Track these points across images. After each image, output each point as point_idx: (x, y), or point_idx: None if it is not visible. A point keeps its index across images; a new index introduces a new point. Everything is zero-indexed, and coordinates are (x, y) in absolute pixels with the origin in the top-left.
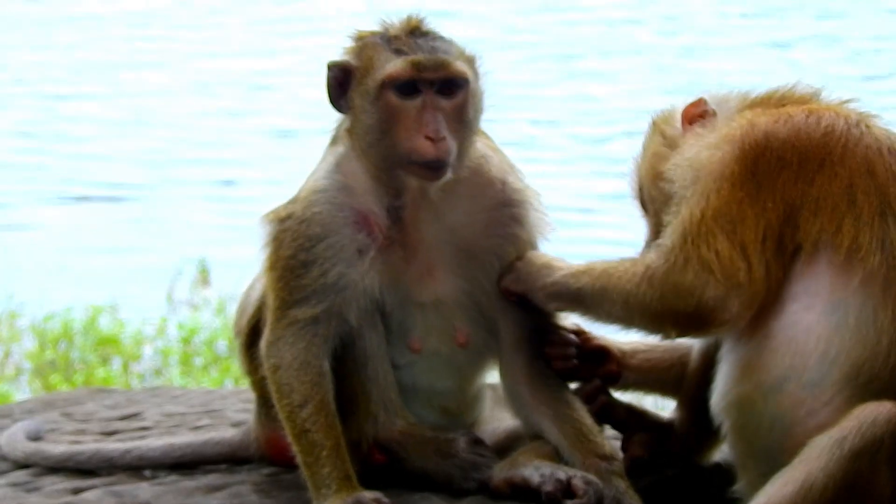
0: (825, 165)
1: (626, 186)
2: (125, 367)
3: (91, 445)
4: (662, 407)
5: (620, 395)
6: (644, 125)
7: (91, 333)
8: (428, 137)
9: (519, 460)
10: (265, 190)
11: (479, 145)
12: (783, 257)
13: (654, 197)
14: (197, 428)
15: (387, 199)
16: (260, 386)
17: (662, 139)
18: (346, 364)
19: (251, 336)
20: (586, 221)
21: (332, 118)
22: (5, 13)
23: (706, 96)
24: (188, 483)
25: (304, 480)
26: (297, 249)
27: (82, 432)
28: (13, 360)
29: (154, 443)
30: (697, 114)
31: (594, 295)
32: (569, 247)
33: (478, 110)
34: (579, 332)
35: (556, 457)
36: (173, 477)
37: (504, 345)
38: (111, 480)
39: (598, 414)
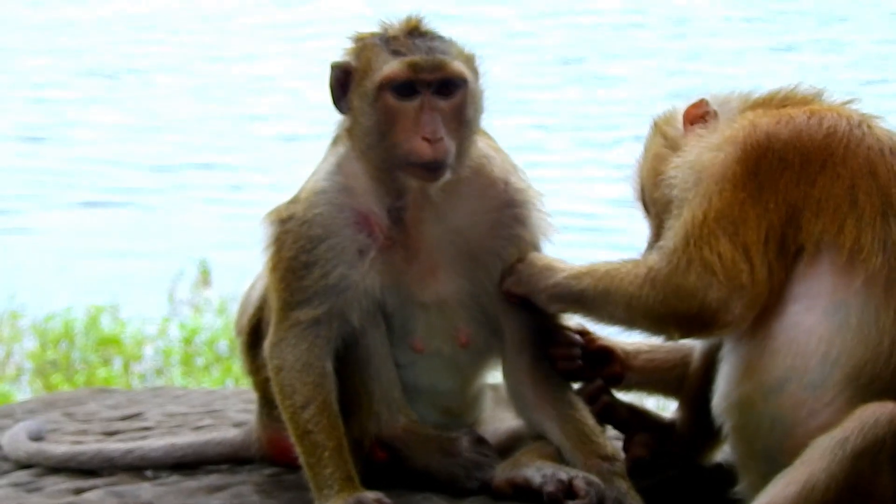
0: (827, 166)
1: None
2: (126, 367)
3: (93, 445)
4: (664, 408)
5: (622, 396)
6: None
7: (92, 333)
8: (425, 138)
9: (521, 461)
10: (267, 190)
11: (482, 145)
12: (785, 258)
13: (655, 199)
14: (199, 428)
15: (388, 200)
16: (262, 386)
17: (664, 140)
18: (349, 363)
19: (252, 336)
20: (594, 226)
21: (333, 119)
22: (11, 17)
23: (708, 97)
24: (190, 483)
25: (305, 481)
26: (298, 251)
27: (84, 432)
28: (14, 361)
29: (156, 443)
30: (699, 115)
31: (596, 297)
32: (578, 251)
33: (477, 110)
34: (584, 333)
35: (558, 457)
36: (175, 477)
37: (507, 345)
38: (113, 481)
39: (600, 414)
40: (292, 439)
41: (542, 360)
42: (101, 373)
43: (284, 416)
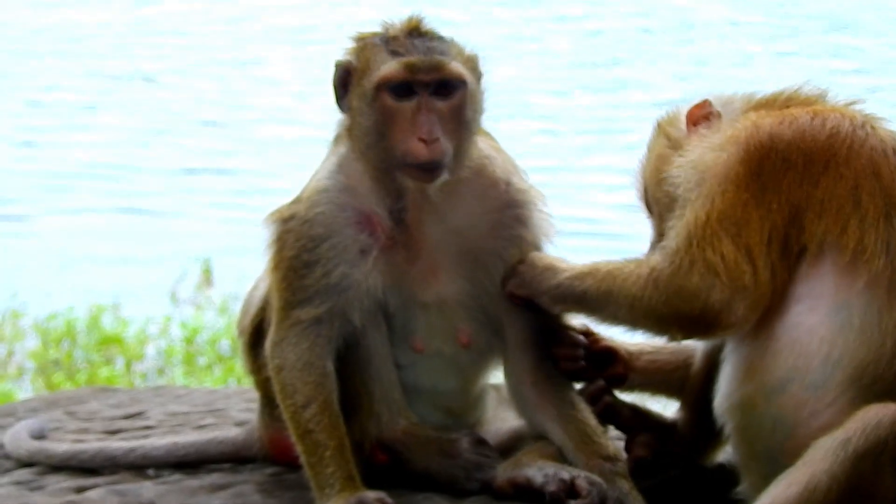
0: (830, 167)
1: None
2: (128, 366)
3: (94, 444)
4: (667, 408)
5: (624, 396)
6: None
7: (94, 332)
8: (422, 139)
9: (522, 460)
10: (273, 194)
11: (483, 146)
12: (788, 259)
13: (658, 199)
14: (200, 427)
15: (388, 201)
16: (263, 385)
17: (667, 141)
18: (349, 364)
19: (254, 335)
20: (602, 232)
21: (335, 119)
22: (16, 20)
23: (711, 98)
24: (191, 482)
25: (307, 480)
26: (300, 250)
27: (86, 431)
28: (16, 360)
29: (157, 442)
30: (702, 115)
31: (599, 298)
32: (586, 257)
33: (477, 111)
34: (587, 333)
35: (560, 457)
36: (177, 476)
37: (509, 345)
38: (114, 479)
39: (602, 415)
40: (293, 438)
41: (544, 361)
42: (103, 372)
43: (285, 416)
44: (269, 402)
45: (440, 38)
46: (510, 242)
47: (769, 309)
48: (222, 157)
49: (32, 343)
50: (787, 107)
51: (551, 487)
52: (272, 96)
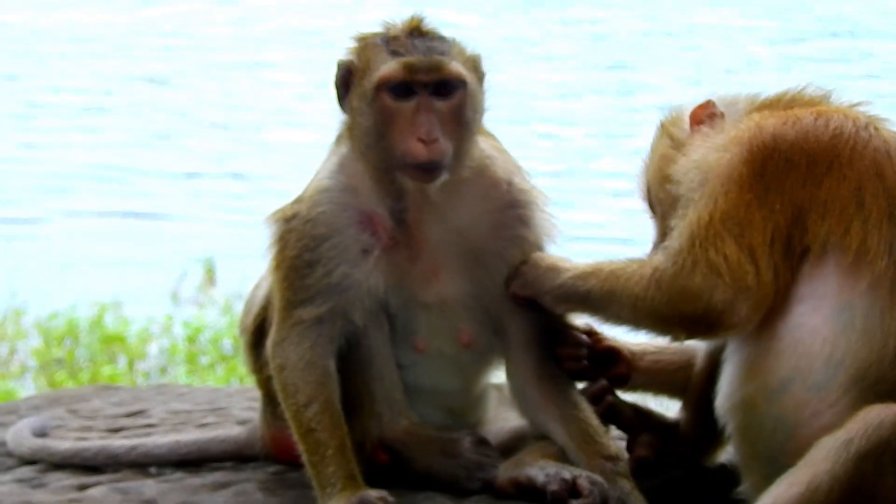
0: (833, 168)
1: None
2: (130, 365)
3: (97, 442)
4: (668, 408)
5: (627, 396)
6: None
7: (96, 331)
8: (420, 139)
9: (524, 460)
10: (278, 196)
11: (485, 146)
12: (791, 260)
13: (661, 199)
14: (203, 425)
15: (389, 201)
16: (265, 384)
17: (670, 141)
18: (350, 364)
19: (256, 335)
20: (609, 236)
21: (337, 118)
22: (21, 22)
23: (714, 98)
24: (193, 480)
25: (309, 479)
26: (301, 249)
27: (88, 429)
28: (19, 358)
29: (160, 440)
30: (705, 116)
31: (602, 298)
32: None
33: (477, 111)
34: (591, 333)
35: (562, 457)
36: (179, 474)
37: (511, 345)
38: (117, 477)
39: (604, 414)
40: (295, 437)
41: (546, 360)
42: (106, 371)
43: (287, 415)
44: (270, 401)
45: (441, 38)
46: (512, 243)
47: (772, 309)
48: (227, 159)
49: (35, 342)
50: (791, 107)
51: (553, 487)
52: (277, 99)
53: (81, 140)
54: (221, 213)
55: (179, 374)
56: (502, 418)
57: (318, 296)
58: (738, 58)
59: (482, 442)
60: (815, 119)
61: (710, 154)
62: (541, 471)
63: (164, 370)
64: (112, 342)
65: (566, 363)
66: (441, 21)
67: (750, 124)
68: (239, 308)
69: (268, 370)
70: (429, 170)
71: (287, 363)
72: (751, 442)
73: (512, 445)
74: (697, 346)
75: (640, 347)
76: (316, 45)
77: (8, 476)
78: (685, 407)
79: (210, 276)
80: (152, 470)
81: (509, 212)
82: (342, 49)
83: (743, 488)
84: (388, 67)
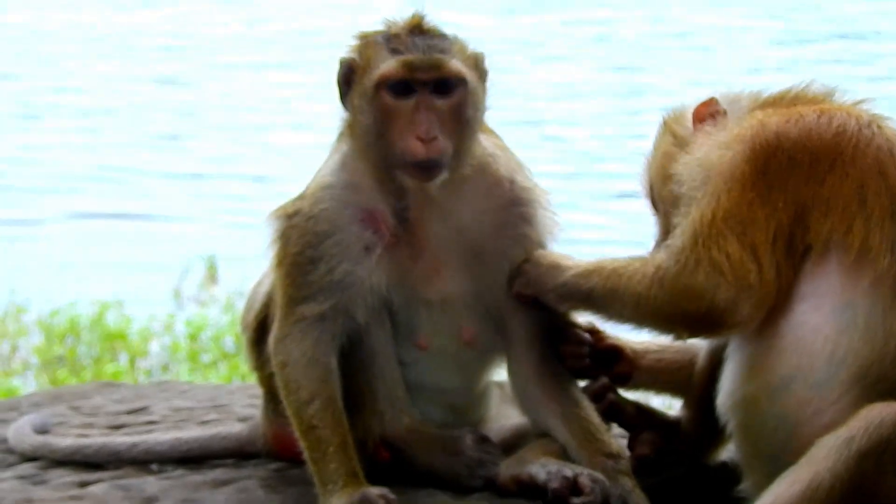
0: (836, 166)
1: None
2: (132, 363)
3: (98, 439)
4: (670, 406)
5: (628, 394)
6: None
7: (98, 329)
8: (419, 138)
9: (525, 458)
10: (279, 194)
11: (487, 144)
12: (793, 258)
13: (664, 197)
14: (204, 422)
15: (391, 198)
16: (267, 381)
17: (673, 139)
18: (352, 361)
19: (258, 331)
20: (616, 239)
21: (339, 116)
22: (25, 22)
23: (717, 96)
24: (195, 477)
25: (310, 476)
26: (304, 246)
27: (90, 426)
28: (20, 355)
29: (161, 437)
30: (708, 113)
31: (605, 296)
32: None
33: (478, 109)
34: (593, 331)
35: (563, 454)
36: (180, 471)
37: (513, 342)
38: (118, 474)
39: (606, 412)
40: (297, 434)
41: (548, 358)
42: (108, 369)
43: (289, 412)
44: (272, 398)
45: (442, 36)
46: (514, 241)
47: (773, 307)
48: (231, 160)
49: (36, 339)
50: (794, 105)
51: (554, 484)
52: (282, 100)
53: (84, 140)
54: (224, 213)
55: (181, 372)
56: (504, 416)
57: (321, 293)
58: (744, 60)
59: (484, 439)
60: (818, 117)
61: (713, 152)
62: (542, 468)
63: (165, 368)
64: (114, 340)
65: (568, 361)
66: (449, 22)
67: (753, 122)
68: (241, 306)
69: (269, 367)
70: (427, 168)
71: (289, 360)
72: (752, 440)
73: (513, 443)
74: (699, 345)
75: (642, 346)
76: (322, 45)
77: (9, 473)
78: (687, 405)
79: (212, 274)
80: (154, 467)
81: (511, 210)
82: (346, 48)
83: (744, 486)
84: (387, 65)
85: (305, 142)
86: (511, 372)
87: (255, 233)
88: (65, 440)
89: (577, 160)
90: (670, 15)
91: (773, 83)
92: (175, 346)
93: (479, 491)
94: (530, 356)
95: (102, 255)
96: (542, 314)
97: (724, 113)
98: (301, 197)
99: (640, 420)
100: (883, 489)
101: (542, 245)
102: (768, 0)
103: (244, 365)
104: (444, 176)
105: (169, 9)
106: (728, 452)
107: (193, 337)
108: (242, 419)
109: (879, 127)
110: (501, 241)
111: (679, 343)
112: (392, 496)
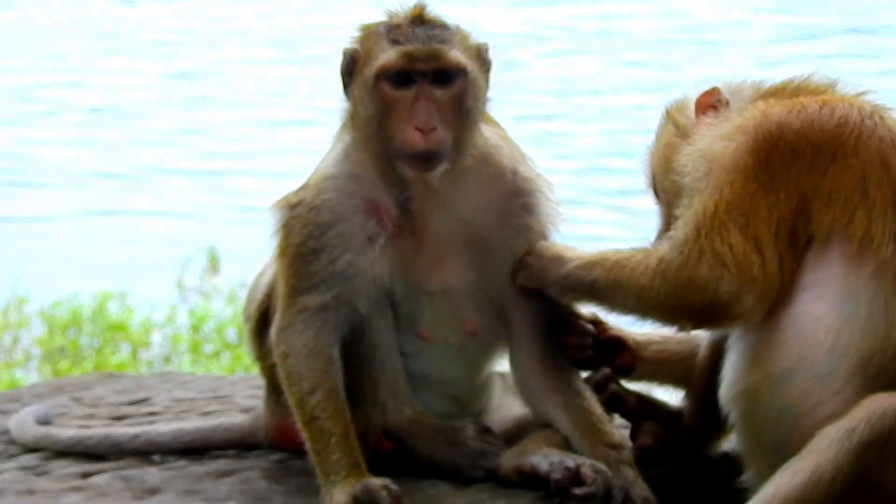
0: (838, 157)
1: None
2: (134, 354)
3: (100, 430)
4: (673, 397)
5: (631, 385)
6: None
7: (100, 320)
8: (418, 129)
9: (528, 448)
10: (275, 178)
11: (489, 135)
12: (796, 249)
13: (666, 187)
14: (206, 413)
15: (393, 189)
16: (269, 372)
17: (675, 129)
18: (354, 352)
19: (260, 322)
20: (622, 238)
21: (341, 107)
22: (29, 20)
23: (720, 86)
24: (197, 468)
25: (312, 467)
26: (306, 237)
27: (91, 417)
28: (22, 346)
29: (163, 428)
30: (710, 103)
31: (608, 288)
32: None
33: (478, 99)
34: (596, 322)
35: (565, 445)
36: (182, 462)
37: (515, 333)
38: (120, 465)
39: (608, 403)
40: (299, 425)
41: (550, 349)
42: (109, 360)
43: (291, 402)
44: (274, 389)
45: (443, 26)
46: (517, 231)
47: (775, 298)
48: (238, 156)
49: (38, 330)
50: (796, 96)
51: (556, 475)
52: (289, 95)
53: (88, 136)
54: (227, 208)
55: (183, 363)
56: (506, 407)
57: (323, 283)
58: (753, 54)
59: (486, 430)
60: (821, 108)
61: (716, 143)
62: (544, 459)
63: (167, 359)
64: (115, 331)
65: (571, 352)
66: (456, 15)
67: (755, 112)
68: (243, 297)
69: (271, 358)
70: (426, 159)
71: (291, 350)
72: (754, 431)
73: (515, 434)
74: (701, 336)
75: (644, 337)
76: (330, 40)
77: (11, 464)
78: (689, 396)
79: (214, 266)
80: (156, 458)
81: (514, 200)
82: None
83: (746, 477)
84: (387, 56)
85: (312, 137)
86: (513, 362)
87: (257, 221)
88: (66, 431)
89: (583, 156)
90: (679, 9)
91: (782, 77)
92: (177, 337)
93: (481, 482)
94: (533, 347)
95: (105, 249)
96: (544, 305)
97: (727, 103)
98: (304, 187)
99: (642, 411)
100: (885, 480)
101: (544, 235)
102: None
103: (246, 356)
104: (443, 167)
105: (175, 4)
106: (730, 443)
107: (195, 328)
108: (244, 410)
109: (881, 118)
110: (504, 232)
111: (681, 334)
112: (394, 487)
